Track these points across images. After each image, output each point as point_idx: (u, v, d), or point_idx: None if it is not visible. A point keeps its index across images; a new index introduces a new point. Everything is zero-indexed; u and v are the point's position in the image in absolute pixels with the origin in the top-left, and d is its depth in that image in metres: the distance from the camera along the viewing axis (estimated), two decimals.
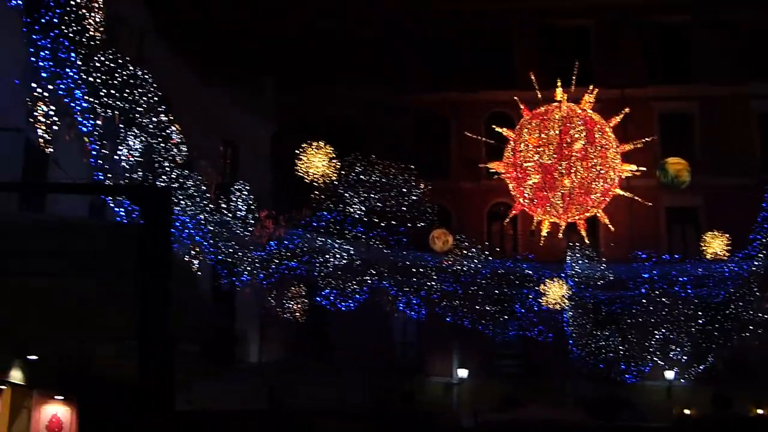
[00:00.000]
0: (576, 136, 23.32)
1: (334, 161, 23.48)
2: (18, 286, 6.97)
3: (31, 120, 13.23)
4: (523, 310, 27.39)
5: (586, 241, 26.14)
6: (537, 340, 27.85)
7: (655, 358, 27.12)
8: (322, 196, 25.12)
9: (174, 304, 6.67)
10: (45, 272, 6.72)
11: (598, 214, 25.12)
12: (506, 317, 27.50)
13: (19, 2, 13.15)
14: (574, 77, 25.11)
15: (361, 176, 25.62)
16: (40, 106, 13.16)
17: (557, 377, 27.59)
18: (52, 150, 13.57)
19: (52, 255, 6.72)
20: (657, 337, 26.83)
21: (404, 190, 25.79)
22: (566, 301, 25.89)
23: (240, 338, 26.03)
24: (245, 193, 23.28)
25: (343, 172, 25.00)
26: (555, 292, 25.45)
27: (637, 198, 25.89)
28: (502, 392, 24.14)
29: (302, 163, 23.09)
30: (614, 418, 23.27)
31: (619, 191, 24.61)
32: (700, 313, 26.54)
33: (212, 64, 26.85)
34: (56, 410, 13.89)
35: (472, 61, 32.77)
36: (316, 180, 23.35)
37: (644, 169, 24.82)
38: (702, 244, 26.60)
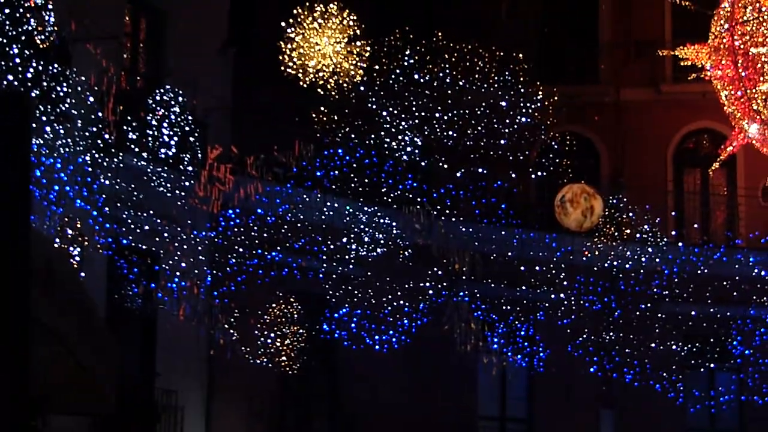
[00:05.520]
0: None
1: (359, 44, 22.43)
2: None
3: None
4: (747, 351, 28.51)
5: None
6: None
7: None
8: (335, 117, 25.13)
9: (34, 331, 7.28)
10: None
11: None
12: (713, 363, 28.92)
13: None
14: None
15: (417, 76, 25.81)
16: None
17: None
18: None
19: None
20: None
21: (504, 103, 26.08)
22: None
23: (165, 406, 25.22)
24: (176, 107, 23.98)
25: (377, 68, 25.14)
26: None
27: None
28: None
29: (294, 50, 22.07)
30: None
31: None
32: None
33: None
34: None
35: None
36: (320, 83, 22.49)
37: None
38: None
